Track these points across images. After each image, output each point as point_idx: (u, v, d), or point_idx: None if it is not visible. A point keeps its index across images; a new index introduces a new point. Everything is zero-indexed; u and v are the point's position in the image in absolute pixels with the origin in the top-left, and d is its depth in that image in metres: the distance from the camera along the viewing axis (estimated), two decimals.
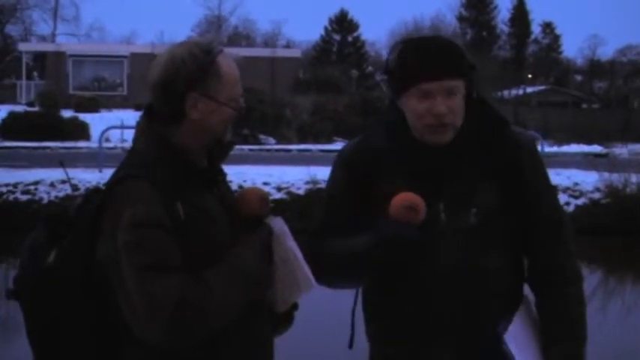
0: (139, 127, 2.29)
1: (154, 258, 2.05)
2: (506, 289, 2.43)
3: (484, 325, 2.38)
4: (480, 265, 2.37)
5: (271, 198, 2.39)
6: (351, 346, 2.59)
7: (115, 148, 22.50)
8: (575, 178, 15.03)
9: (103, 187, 2.22)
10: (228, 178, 2.46)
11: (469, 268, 2.37)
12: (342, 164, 2.59)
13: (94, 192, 2.27)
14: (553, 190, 2.52)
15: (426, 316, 2.41)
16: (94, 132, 25.38)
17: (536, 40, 71.37)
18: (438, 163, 2.39)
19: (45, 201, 13.48)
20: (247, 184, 12.86)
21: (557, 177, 14.58)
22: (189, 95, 2.20)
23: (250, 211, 2.33)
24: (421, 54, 2.33)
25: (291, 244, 2.34)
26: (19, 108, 32.90)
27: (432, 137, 2.36)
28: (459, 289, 2.38)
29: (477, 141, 2.40)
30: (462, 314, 2.39)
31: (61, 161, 2.59)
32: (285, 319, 2.44)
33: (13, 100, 42.14)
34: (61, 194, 13.56)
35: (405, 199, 2.31)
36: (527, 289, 2.53)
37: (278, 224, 2.34)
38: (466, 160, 2.39)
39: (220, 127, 2.26)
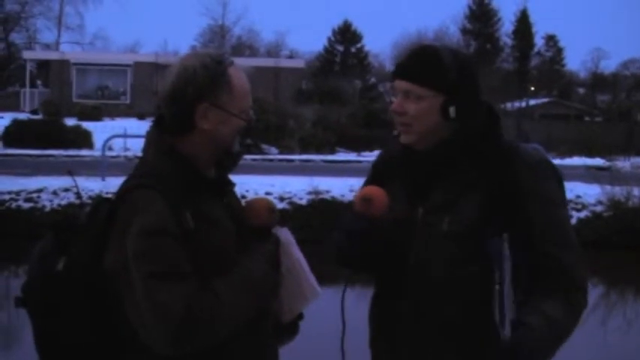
0: (149, 137, 2.31)
1: (163, 266, 2.07)
2: (481, 301, 2.35)
3: (455, 331, 2.37)
4: (449, 272, 2.37)
5: None
6: (343, 337, 2.58)
7: (118, 156, 22.51)
8: (577, 191, 15.01)
9: (113, 196, 2.24)
10: None
11: (439, 274, 2.38)
12: (372, 165, 2.72)
13: (103, 200, 2.29)
14: (559, 208, 2.41)
15: (402, 317, 2.45)
16: (97, 140, 25.36)
17: (539, 53, 71.39)
18: (422, 168, 2.45)
19: (48, 209, 13.49)
20: (250, 194, 12.88)
21: None
22: (199, 105, 2.22)
23: (258, 221, 2.35)
24: (401, 54, 2.46)
25: (298, 254, 2.38)
26: (22, 116, 32.94)
27: (400, 135, 2.46)
28: (428, 294, 2.40)
29: (462, 152, 2.41)
30: (434, 319, 2.40)
31: (69, 170, 2.61)
32: (290, 329, 2.47)
33: (16, 108, 42.27)
34: (64, 202, 13.57)
35: (362, 191, 2.41)
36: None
37: (284, 234, 2.37)
38: (451, 170, 2.42)
39: (230, 138, 2.28)
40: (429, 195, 2.43)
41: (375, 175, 2.63)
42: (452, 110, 2.38)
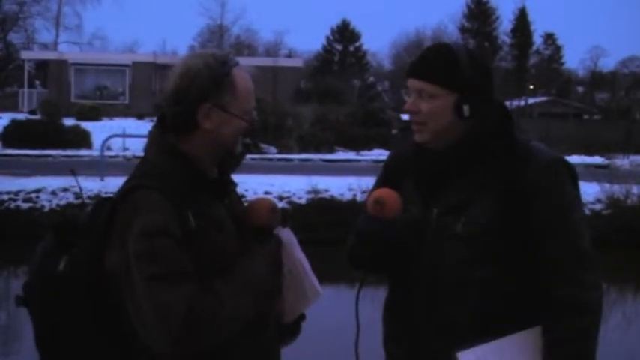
0: (151, 137, 2.30)
1: (165, 267, 2.07)
2: (492, 302, 2.37)
3: (458, 333, 2.36)
4: (462, 273, 2.37)
5: None
6: (357, 338, 2.55)
7: (116, 156, 22.49)
8: None
9: (114, 196, 2.24)
10: None
11: (449, 275, 2.38)
12: (383, 165, 2.70)
13: (104, 201, 2.28)
14: (570, 211, 2.38)
15: (412, 317, 2.45)
16: (96, 140, 25.32)
17: (537, 52, 71.39)
18: (435, 169, 2.44)
19: (46, 209, 13.48)
20: (249, 194, 12.88)
21: None
22: (202, 105, 2.22)
23: (260, 222, 2.35)
24: (416, 53, 2.46)
25: (299, 254, 2.37)
26: (21, 116, 32.89)
27: (414, 134, 2.46)
28: (440, 294, 2.40)
29: (476, 152, 2.40)
30: (446, 319, 2.40)
31: (72, 169, 2.61)
32: (292, 330, 2.47)
33: (15, 109, 42.19)
34: (63, 202, 13.56)
35: (374, 194, 2.40)
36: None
37: (286, 235, 2.36)
38: (465, 170, 2.41)
39: (232, 139, 2.28)
40: (442, 196, 2.42)
41: (387, 175, 2.62)
42: (466, 109, 2.37)
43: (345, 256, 2.55)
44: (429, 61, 2.41)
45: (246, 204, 2.44)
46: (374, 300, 2.73)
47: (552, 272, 2.35)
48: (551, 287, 2.34)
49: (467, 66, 2.37)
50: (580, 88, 71.68)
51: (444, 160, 2.42)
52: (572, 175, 2.43)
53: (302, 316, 2.47)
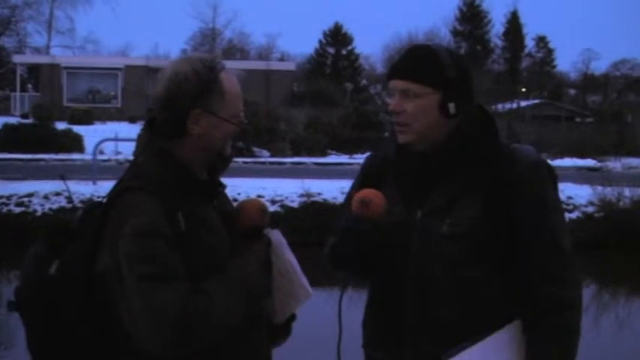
0: (140, 140, 2.31)
1: (156, 268, 2.07)
2: (479, 302, 2.38)
3: (446, 334, 2.36)
4: (448, 274, 2.37)
5: None
6: (339, 341, 2.55)
7: (108, 160, 22.45)
8: (568, 192, 15.04)
9: (105, 199, 2.24)
10: None
11: (436, 277, 2.38)
12: (361, 167, 2.69)
13: (95, 204, 2.29)
14: (553, 212, 2.41)
15: (396, 319, 2.45)
16: (88, 144, 25.28)
17: (529, 54, 71.50)
18: (420, 170, 2.44)
19: (39, 213, 13.45)
20: (241, 197, 12.86)
21: None
22: (192, 112, 2.22)
23: (249, 222, 2.35)
24: (397, 55, 2.43)
25: (289, 255, 2.38)
26: (13, 120, 32.77)
27: (398, 135, 2.44)
28: (427, 295, 2.39)
29: (462, 152, 2.40)
30: (433, 320, 2.39)
31: (62, 175, 2.61)
32: (283, 330, 2.47)
33: (7, 112, 42.10)
34: (55, 206, 13.53)
35: (359, 193, 2.39)
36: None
37: (276, 236, 2.37)
38: (451, 171, 2.41)
39: (221, 142, 2.29)
40: (427, 197, 2.42)
41: (366, 178, 2.60)
42: (452, 106, 2.37)
43: (326, 257, 2.52)
44: (411, 60, 2.40)
45: (236, 205, 2.44)
46: (359, 302, 2.72)
47: (537, 272, 2.37)
48: (536, 286, 2.37)
49: (449, 64, 2.37)
50: (572, 91, 71.81)
51: (429, 162, 2.42)
52: (554, 177, 2.46)
53: (293, 317, 2.47)
